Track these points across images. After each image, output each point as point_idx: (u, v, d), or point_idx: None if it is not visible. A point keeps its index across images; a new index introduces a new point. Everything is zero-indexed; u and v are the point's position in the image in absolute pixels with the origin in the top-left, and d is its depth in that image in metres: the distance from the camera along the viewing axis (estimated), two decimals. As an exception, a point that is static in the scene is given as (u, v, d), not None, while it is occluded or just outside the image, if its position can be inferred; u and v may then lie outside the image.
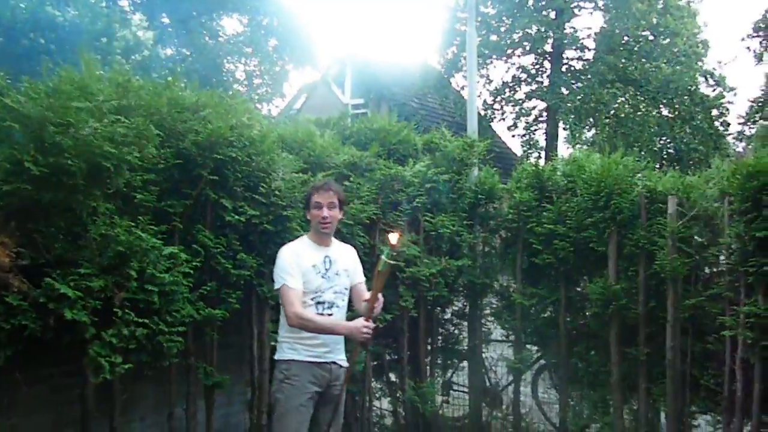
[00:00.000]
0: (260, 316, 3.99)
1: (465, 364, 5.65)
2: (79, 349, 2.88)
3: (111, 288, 2.87)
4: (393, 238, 3.02)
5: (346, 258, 3.41)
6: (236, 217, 3.60)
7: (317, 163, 4.27)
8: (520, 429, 5.17)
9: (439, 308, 5.42)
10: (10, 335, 2.68)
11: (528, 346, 5.30)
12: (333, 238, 3.39)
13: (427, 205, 4.98)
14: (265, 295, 3.91)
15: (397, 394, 5.12)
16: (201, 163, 3.41)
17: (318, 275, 3.24)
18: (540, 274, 5.05)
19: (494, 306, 5.48)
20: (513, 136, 17.62)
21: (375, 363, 4.90)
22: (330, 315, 3.25)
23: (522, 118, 17.24)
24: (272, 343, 4.18)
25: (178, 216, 3.42)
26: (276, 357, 3.32)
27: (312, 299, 3.22)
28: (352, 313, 3.47)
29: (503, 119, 17.49)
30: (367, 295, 3.22)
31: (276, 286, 3.24)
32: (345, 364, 3.33)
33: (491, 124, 17.32)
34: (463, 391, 5.70)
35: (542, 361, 5.46)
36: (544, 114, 17.01)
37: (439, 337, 5.48)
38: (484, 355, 5.55)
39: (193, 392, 3.64)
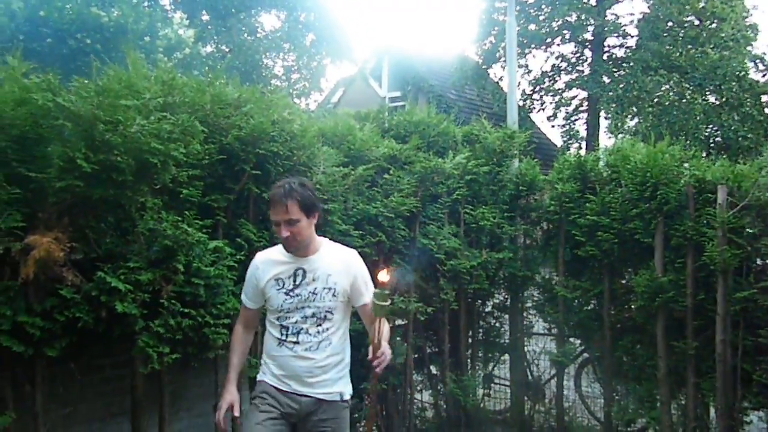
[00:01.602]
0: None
1: (506, 357, 5.62)
2: (128, 340, 2.97)
3: (159, 281, 2.94)
4: (382, 275, 2.45)
5: (336, 271, 2.67)
6: (278, 210, 3.64)
7: (357, 156, 4.29)
8: (563, 423, 5.11)
9: (479, 301, 5.39)
10: (64, 327, 2.78)
11: (571, 339, 5.22)
12: (322, 244, 2.74)
13: (468, 198, 4.95)
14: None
15: (438, 387, 5.12)
16: (244, 158, 3.46)
17: (279, 292, 2.64)
18: (583, 266, 4.97)
19: (536, 299, 5.42)
20: (553, 126, 17.34)
21: (416, 356, 4.91)
22: (295, 343, 2.64)
23: (562, 108, 16.95)
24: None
25: (222, 210, 3.48)
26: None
27: (277, 320, 2.69)
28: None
29: (543, 110, 17.24)
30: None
31: None
32: (332, 398, 2.72)
33: (530, 114, 17.08)
34: (505, 385, 5.67)
35: (586, 355, 5.37)
36: (585, 103, 16.69)
37: (480, 330, 5.46)
38: (525, 349, 5.50)
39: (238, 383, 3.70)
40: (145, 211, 2.96)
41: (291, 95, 15.80)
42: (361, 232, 4.17)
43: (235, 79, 3.75)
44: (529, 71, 16.97)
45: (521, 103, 16.10)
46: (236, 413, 2.64)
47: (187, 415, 3.76)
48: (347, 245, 4.04)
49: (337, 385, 2.72)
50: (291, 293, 2.63)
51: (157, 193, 3.05)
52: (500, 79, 17.02)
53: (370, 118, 5.14)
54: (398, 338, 4.58)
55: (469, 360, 5.26)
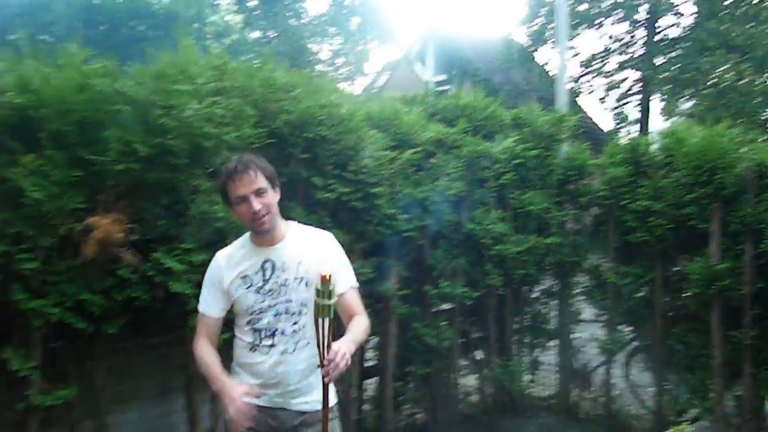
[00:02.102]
0: (349, 291, 4.08)
1: (553, 343, 5.56)
2: (182, 319, 3.06)
3: (211, 262, 3.01)
4: (324, 269, 2.00)
5: (307, 257, 2.30)
6: (326, 194, 3.67)
7: (404, 140, 4.27)
8: (611, 411, 5.04)
9: (526, 286, 5.34)
10: (122, 306, 2.89)
11: (620, 326, 5.13)
12: (290, 228, 2.36)
13: (515, 182, 4.88)
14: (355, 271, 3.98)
15: (484, 372, 5.11)
16: (292, 143, 3.50)
17: (250, 290, 2.27)
18: (634, 252, 4.86)
19: (584, 285, 5.33)
20: (602, 110, 16.91)
21: (461, 340, 4.90)
22: (271, 347, 2.28)
23: (612, 91, 16.49)
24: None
25: (272, 194, 3.52)
26: None
27: (247, 324, 2.30)
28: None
29: (592, 93, 16.81)
30: (357, 309, 2.35)
31: None
32: (314, 407, 2.30)
33: (578, 98, 16.68)
34: (551, 371, 5.61)
35: (635, 343, 5.27)
36: (637, 86, 16.18)
37: (527, 316, 5.41)
38: (573, 335, 5.43)
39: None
40: (197, 194, 3.03)
41: (336, 80, 15.84)
42: (407, 216, 4.17)
43: (285, 64, 3.77)
44: (578, 54, 16.55)
45: (569, 86, 15.72)
46: (251, 394, 2.19)
47: (237, 394, 3.86)
48: (393, 230, 4.11)
49: (317, 391, 2.20)
50: (261, 290, 2.27)
51: (210, 176, 3.11)
52: (547, 62, 16.66)
53: (417, 102, 5.11)
54: (443, 322, 4.58)
55: (515, 345, 5.22)
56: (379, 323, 4.53)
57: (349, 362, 2.04)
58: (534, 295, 5.48)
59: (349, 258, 3.90)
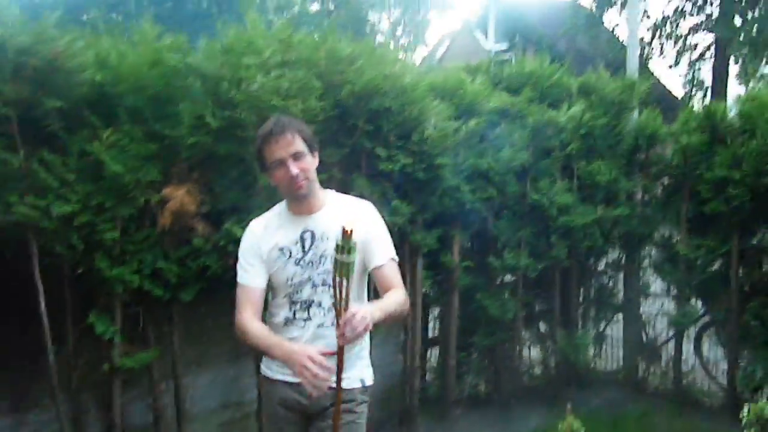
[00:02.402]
0: (413, 262, 4.10)
1: (619, 317, 5.44)
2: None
3: (279, 232, 3.08)
4: (347, 224, 1.84)
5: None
6: (390, 165, 3.68)
7: (468, 110, 4.21)
8: (681, 386, 4.91)
9: (592, 259, 5.23)
10: (196, 274, 3.01)
11: (691, 300, 4.96)
12: (328, 196, 2.23)
13: (582, 152, 4.75)
14: (418, 242, 4.00)
15: (547, 345, 5.06)
16: (356, 114, 3.50)
17: (290, 261, 2.13)
18: (708, 223, 4.66)
19: (654, 258, 5.17)
20: (674, 75, 16.15)
21: (525, 313, 4.86)
22: (307, 320, 2.15)
23: (685, 55, 15.69)
24: (423, 290, 4.32)
25: (336, 165, 3.56)
26: None
27: (285, 297, 2.17)
28: None
29: (663, 57, 16.05)
30: (395, 282, 2.15)
31: None
32: (349, 384, 2.12)
33: (648, 63, 15.95)
34: (617, 345, 5.51)
35: (707, 317, 5.09)
36: (712, 49, 15.33)
37: (592, 289, 5.30)
38: (641, 309, 5.30)
39: (351, 331, 3.85)
40: (265, 166, 3.08)
41: (396, 50, 15.72)
42: (471, 187, 4.14)
43: (348, 35, 3.77)
44: (648, 17, 15.78)
45: (640, 51, 15.06)
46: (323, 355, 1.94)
47: (304, 360, 3.98)
48: (457, 201, 4.08)
49: (355, 368, 2.16)
50: (301, 262, 2.13)
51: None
52: (615, 26, 15.98)
53: (480, 71, 5.01)
54: (507, 295, 4.55)
55: (580, 318, 5.14)
56: (441, 294, 4.56)
57: (370, 327, 1.87)
58: (600, 268, 5.37)
59: (412, 230, 3.97)
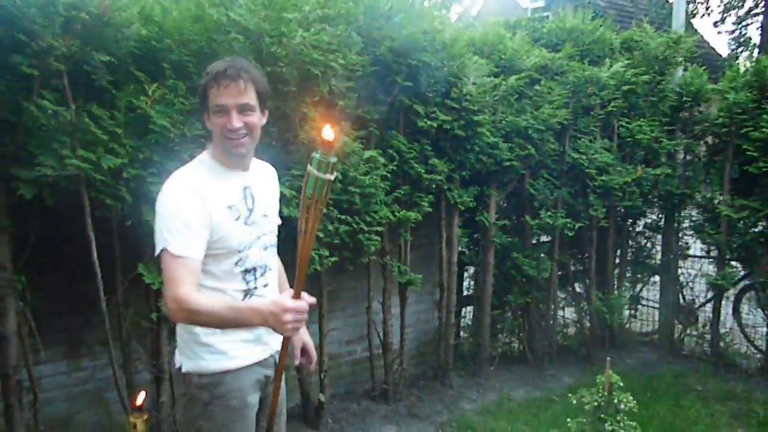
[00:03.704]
0: (449, 220, 4.13)
1: (656, 279, 5.39)
2: (293, 242, 3.21)
3: (320, 188, 3.12)
4: (327, 132, 1.52)
5: (268, 188, 2.01)
6: (428, 122, 3.67)
7: (508, 66, 4.15)
8: (718, 349, 4.87)
9: (630, 219, 5.17)
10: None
11: (732, 262, 4.88)
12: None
13: (624, 110, 4.66)
14: (455, 200, 4.01)
15: (582, 305, 5.06)
16: (396, 70, 3.49)
17: (239, 222, 1.83)
18: (753, 184, 4.56)
19: (694, 219, 5.08)
20: (719, 33, 15.54)
21: (560, 273, 4.85)
22: (265, 286, 1.90)
23: (732, 12, 15.06)
24: (459, 248, 4.33)
25: (375, 122, 3.57)
26: (185, 369, 1.88)
27: (235, 265, 1.83)
28: None
29: (708, 14, 15.44)
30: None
31: (157, 251, 1.74)
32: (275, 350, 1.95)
33: (692, 21, 15.36)
34: (653, 307, 5.48)
35: (747, 280, 5.01)
36: (760, 5, 14.67)
37: (630, 250, 5.26)
38: (679, 271, 5.24)
39: (388, 288, 3.92)
40: (305, 121, 3.11)
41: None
42: (509, 144, 4.11)
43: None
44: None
45: (685, 6, 14.49)
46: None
47: (342, 315, 4.07)
48: (495, 159, 4.06)
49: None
50: (248, 221, 1.85)
51: (316, 104, 3.18)
52: (659, -19, 15.35)
53: (520, 27, 4.92)
54: (542, 254, 4.54)
55: (616, 279, 5.11)
56: (477, 253, 4.57)
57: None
58: (638, 229, 5.31)
59: (450, 187, 3.96)
